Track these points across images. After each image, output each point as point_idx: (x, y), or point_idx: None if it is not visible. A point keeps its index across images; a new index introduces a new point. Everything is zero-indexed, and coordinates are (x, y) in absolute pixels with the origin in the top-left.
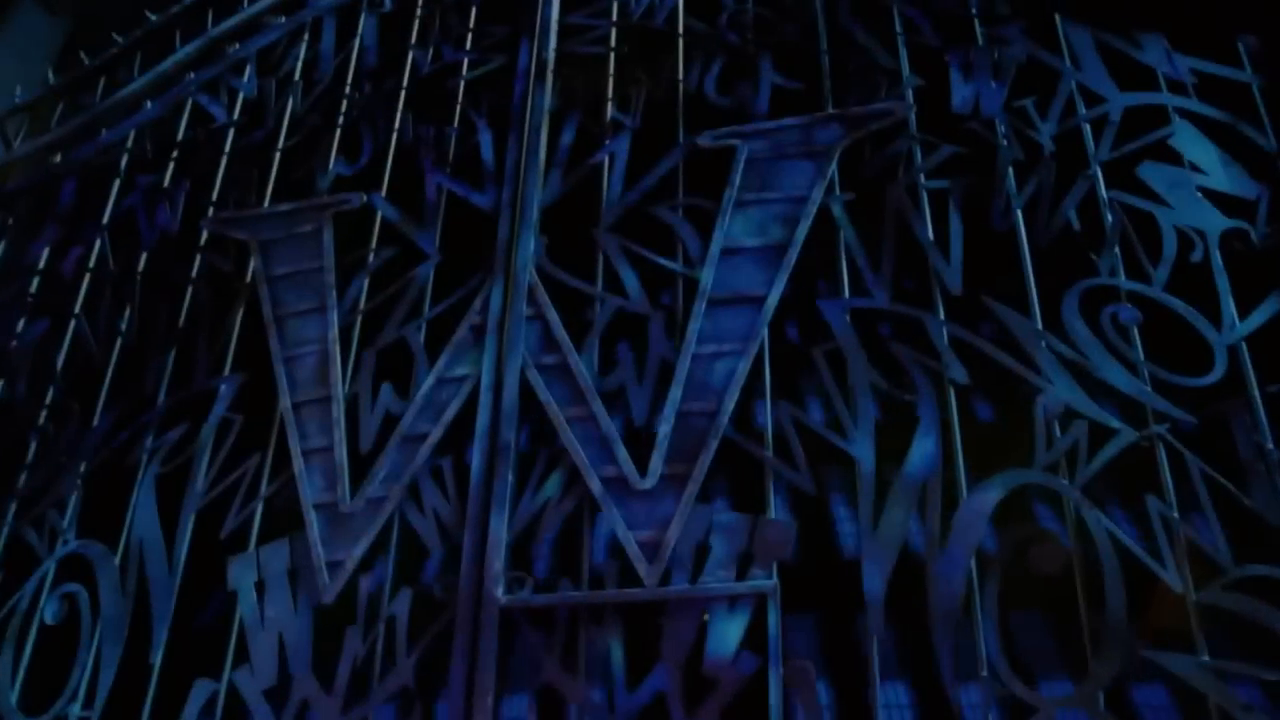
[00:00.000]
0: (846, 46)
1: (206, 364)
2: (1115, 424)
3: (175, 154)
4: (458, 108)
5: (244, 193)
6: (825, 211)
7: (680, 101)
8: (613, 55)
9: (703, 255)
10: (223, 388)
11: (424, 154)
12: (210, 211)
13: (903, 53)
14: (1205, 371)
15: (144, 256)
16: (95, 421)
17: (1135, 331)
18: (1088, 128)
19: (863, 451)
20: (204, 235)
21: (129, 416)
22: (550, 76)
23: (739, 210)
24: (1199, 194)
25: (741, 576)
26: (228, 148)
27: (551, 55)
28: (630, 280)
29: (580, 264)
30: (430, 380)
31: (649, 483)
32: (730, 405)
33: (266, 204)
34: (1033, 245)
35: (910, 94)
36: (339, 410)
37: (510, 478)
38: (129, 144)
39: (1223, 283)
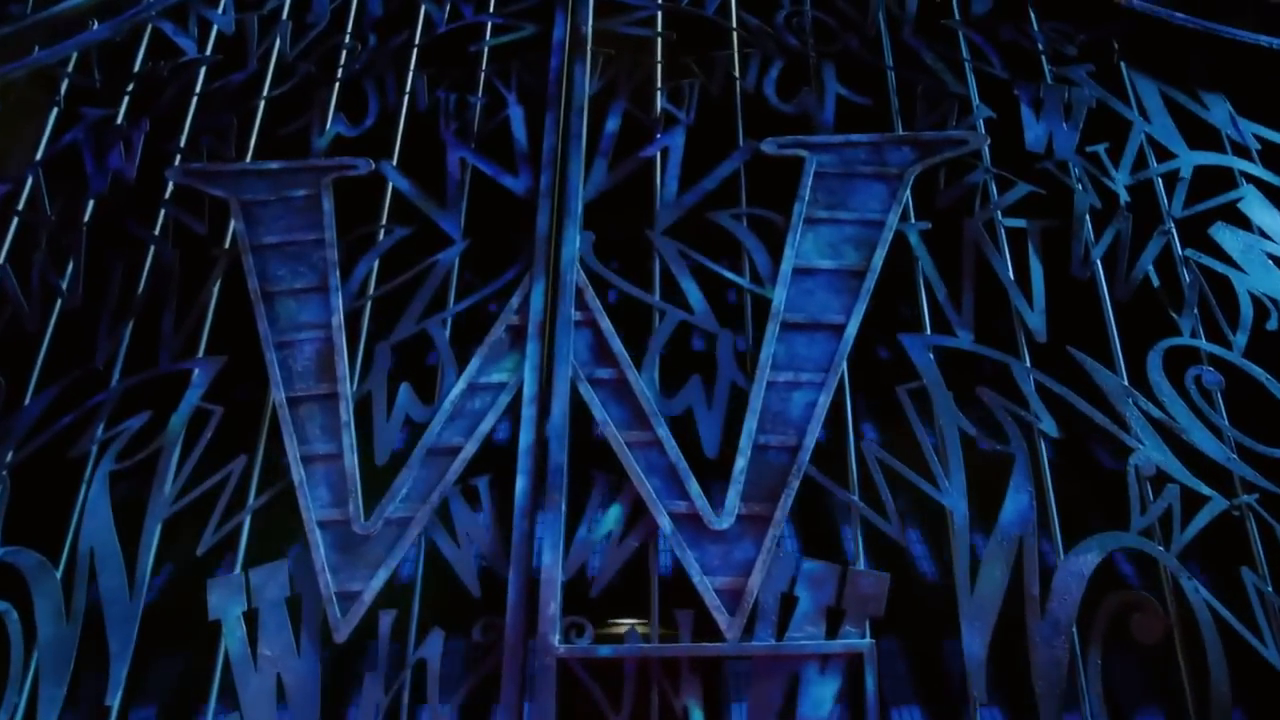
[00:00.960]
0: (913, 66)
1: (175, 342)
2: (1207, 491)
3: (131, 87)
4: (481, 75)
5: (219, 143)
6: (898, 238)
7: (738, 101)
8: (659, 41)
9: (772, 273)
10: (196, 372)
11: (445, 124)
12: (177, 161)
13: (971, 80)
14: None
15: (90, 204)
16: (27, 400)
17: (1218, 396)
18: (1159, 181)
19: (957, 504)
20: (169, 187)
21: (73, 396)
22: (590, 54)
23: (809, 227)
24: (1270, 261)
25: (832, 633)
26: (199, 88)
27: (590, 30)
28: (693, 292)
29: (625, 268)
30: (461, 385)
31: (725, 522)
32: (812, 441)
33: (249, 159)
34: (1112, 297)
35: (982, 124)
36: (348, 411)
37: (563, 506)
38: (70, 68)
39: None
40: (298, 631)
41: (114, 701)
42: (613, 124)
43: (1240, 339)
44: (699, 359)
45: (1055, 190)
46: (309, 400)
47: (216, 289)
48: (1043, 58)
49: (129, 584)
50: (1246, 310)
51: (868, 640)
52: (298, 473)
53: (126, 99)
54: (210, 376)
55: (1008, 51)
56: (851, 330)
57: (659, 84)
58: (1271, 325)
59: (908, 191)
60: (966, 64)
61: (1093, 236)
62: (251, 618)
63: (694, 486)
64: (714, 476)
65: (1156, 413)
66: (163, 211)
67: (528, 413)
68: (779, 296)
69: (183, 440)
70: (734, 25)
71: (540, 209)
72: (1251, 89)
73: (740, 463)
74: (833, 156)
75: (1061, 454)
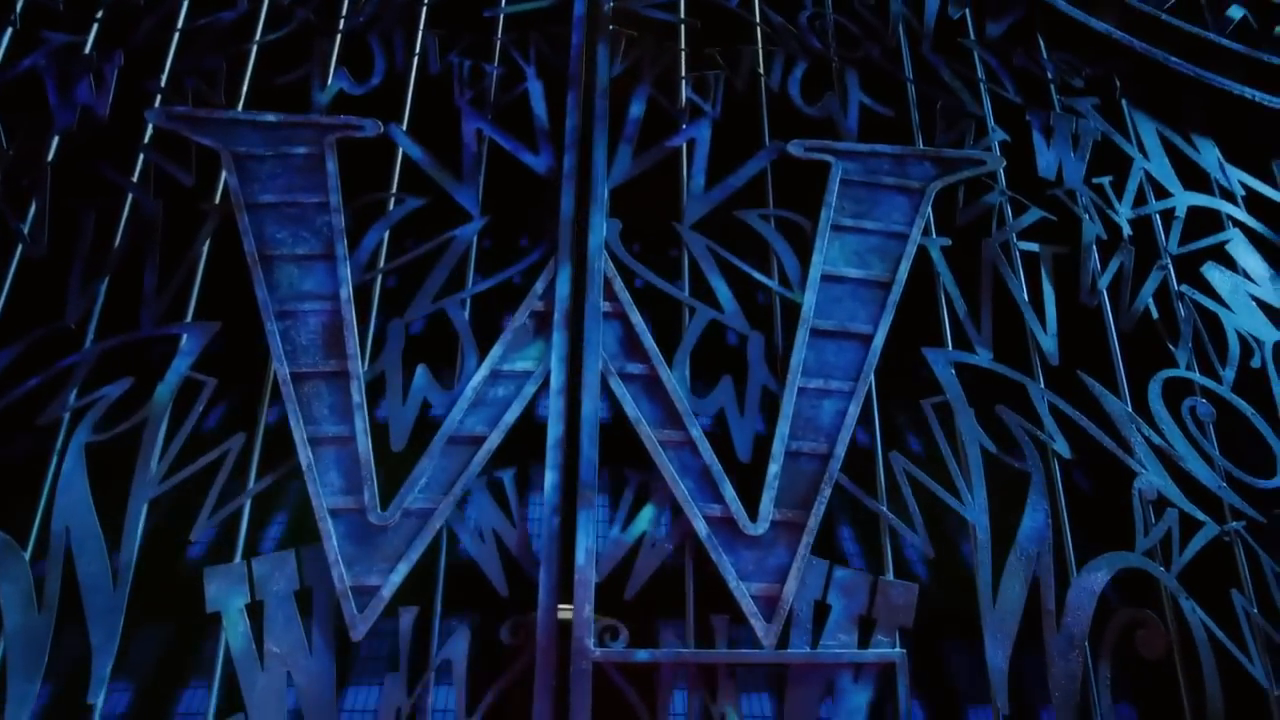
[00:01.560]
0: (932, 81)
1: (158, 304)
2: (1201, 516)
3: (100, 13)
4: (497, 43)
5: (207, 87)
6: (918, 251)
7: (764, 98)
8: (683, 29)
9: (800, 277)
10: (185, 338)
11: (460, 91)
12: (157, 102)
13: (986, 101)
14: (1270, 475)
15: (55, 140)
16: None
17: (1210, 426)
18: (1157, 218)
19: (980, 518)
20: (149, 130)
21: (41, 357)
22: (610, 34)
23: (835, 235)
24: (1253, 302)
25: (864, 642)
26: (180, 23)
27: (610, 8)
28: (722, 290)
29: (644, 257)
30: (484, 371)
31: (760, 528)
32: (843, 450)
33: (241, 108)
34: (1116, 326)
35: (997, 147)
36: (360, 391)
37: (595, 504)
38: None
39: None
40: (309, 627)
41: (97, 700)
42: (637, 109)
43: (1229, 374)
44: (720, 356)
45: (1064, 217)
46: (315, 377)
47: (206, 248)
48: (1051, 86)
49: (111, 570)
50: (1234, 347)
51: (899, 650)
52: (305, 455)
53: (95, 26)
54: (201, 344)
55: (1019, 77)
56: (879, 341)
57: (683, 72)
58: (1255, 363)
59: (929, 206)
60: (982, 85)
61: (1099, 266)
62: (255, 612)
63: (729, 490)
64: (747, 483)
65: (1157, 439)
66: (142, 157)
67: (556, 405)
68: (808, 302)
69: (170, 413)
70: (758, 20)
71: (564, 191)
72: (1238, 137)
73: (774, 468)
74: (858, 165)
75: (1069, 473)
